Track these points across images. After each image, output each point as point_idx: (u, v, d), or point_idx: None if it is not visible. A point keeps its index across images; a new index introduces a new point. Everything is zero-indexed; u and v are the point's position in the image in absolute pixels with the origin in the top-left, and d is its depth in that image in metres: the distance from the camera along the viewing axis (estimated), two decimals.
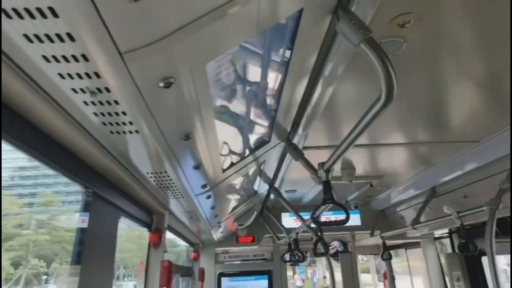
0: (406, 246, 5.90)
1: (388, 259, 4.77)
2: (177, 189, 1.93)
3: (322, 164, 1.82)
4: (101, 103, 0.97)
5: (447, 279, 4.76)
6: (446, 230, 4.69)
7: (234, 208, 3.55)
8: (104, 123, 1.11)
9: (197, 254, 4.65)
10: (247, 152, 2.10)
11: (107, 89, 0.91)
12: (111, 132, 1.17)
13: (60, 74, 0.85)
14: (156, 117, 1.09)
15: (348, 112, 2.07)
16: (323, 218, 4.53)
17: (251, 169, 2.53)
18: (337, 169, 3.08)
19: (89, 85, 0.89)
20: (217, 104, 1.37)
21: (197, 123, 1.27)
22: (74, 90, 0.91)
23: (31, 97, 0.95)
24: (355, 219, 5.02)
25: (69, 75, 0.85)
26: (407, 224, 4.47)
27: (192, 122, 1.24)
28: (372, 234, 5.01)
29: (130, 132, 1.17)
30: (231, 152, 1.97)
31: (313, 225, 3.36)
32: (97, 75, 0.84)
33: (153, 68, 0.87)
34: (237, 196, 3.16)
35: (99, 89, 0.91)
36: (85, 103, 0.98)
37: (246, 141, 2.02)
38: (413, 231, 4.17)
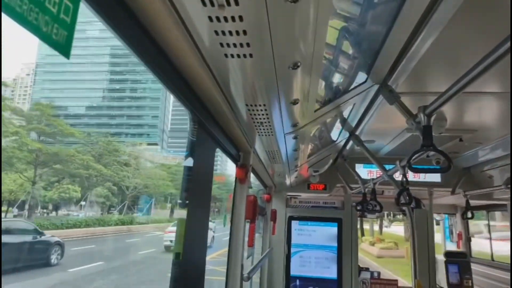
0: (489, 208, 5.55)
1: (470, 218, 4.53)
2: (269, 125, 1.97)
3: (423, 108, 1.71)
4: (225, 19, 0.97)
5: None
6: None
7: (311, 154, 3.58)
8: (221, 44, 1.12)
9: (270, 196, 4.84)
10: (340, 92, 2.05)
11: (236, 2, 0.90)
12: (226, 56, 1.19)
13: None
14: (274, 38, 1.08)
15: (447, 58, 1.89)
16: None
17: (337, 113, 2.48)
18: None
19: None
20: (329, 32, 1.33)
21: (309, 50, 1.24)
22: (203, 2, 0.91)
23: (155, 5, 0.93)
24: (435, 175, 4.78)
25: None
26: (494, 184, 4.16)
27: (306, 47, 1.21)
28: (453, 192, 4.76)
29: (244, 56, 1.18)
30: (327, 90, 1.94)
31: (396, 177, 3.27)
32: None
33: None
34: (318, 141, 3.15)
35: (228, 2, 0.90)
36: (210, 18, 0.99)
37: (341, 79, 1.96)
38: (503, 192, 3.87)
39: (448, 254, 5.36)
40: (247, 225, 2.71)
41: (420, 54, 1.66)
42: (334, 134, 3.30)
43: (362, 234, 28.48)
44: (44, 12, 0.62)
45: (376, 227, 32.23)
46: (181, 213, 1.60)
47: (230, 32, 1.05)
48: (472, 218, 4.68)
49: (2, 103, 30.99)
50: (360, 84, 2.03)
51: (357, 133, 3.16)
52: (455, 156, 4.57)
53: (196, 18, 1.01)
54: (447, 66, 2.00)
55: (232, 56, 1.19)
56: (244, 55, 1.18)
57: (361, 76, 1.97)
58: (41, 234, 14.44)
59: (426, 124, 1.73)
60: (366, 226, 32.27)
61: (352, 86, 2.04)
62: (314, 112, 2.05)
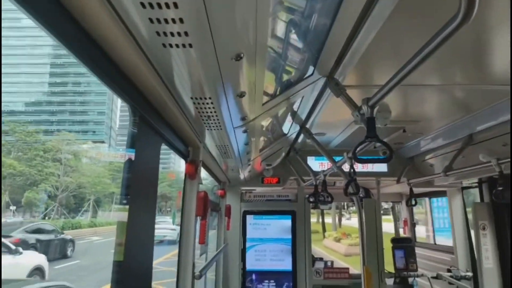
0: (431, 195, 5.92)
1: (413, 205, 4.81)
2: (217, 119, 1.92)
3: (367, 100, 1.75)
4: (159, 5, 0.91)
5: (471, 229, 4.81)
6: (474, 180, 4.64)
7: (263, 148, 3.57)
8: (158, 33, 1.05)
9: (224, 192, 4.80)
10: (287, 85, 2.04)
11: None
12: (164, 45, 1.12)
13: None
14: (213, 27, 1.03)
15: (391, 50, 1.95)
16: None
17: (287, 106, 2.48)
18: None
19: None
20: (271, 25, 1.30)
21: (251, 41, 1.20)
22: None
23: None
24: (382, 166, 5.01)
25: None
26: (435, 172, 4.43)
27: (248, 38, 1.17)
28: (398, 181, 5.01)
29: (184, 45, 1.11)
30: (273, 83, 1.92)
31: (346, 168, 3.36)
32: None
33: None
34: (269, 135, 3.15)
35: None
36: (142, 5, 0.92)
37: (287, 73, 1.95)
38: (443, 179, 4.13)
39: (394, 240, 5.66)
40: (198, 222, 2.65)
41: (364, 47, 1.69)
42: (285, 127, 3.32)
43: (324, 230, 26.89)
44: None
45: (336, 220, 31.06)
46: (123, 215, 1.50)
47: (166, 20, 0.98)
48: (415, 205, 4.97)
49: None
50: (307, 77, 2.03)
51: (307, 126, 3.20)
52: (399, 147, 4.81)
53: (127, 3, 0.93)
54: (391, 59, 2.06)
55: (171, 46, 1.12)
56: (184, 45, 1.11)
57: (308, 69, 1.97)
58: None
59: (370, 116, 1.77)
60: (328, 220, 30.96)
61: (300, 79, 2.04)
62: (262, 105, 2.02)
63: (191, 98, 1.63)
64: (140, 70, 1.27)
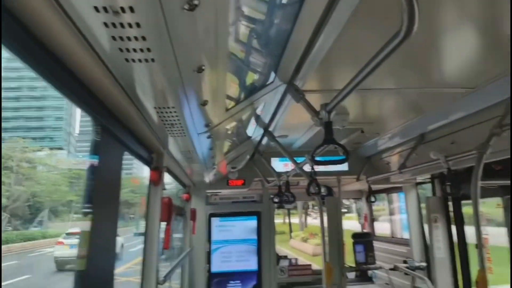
0: (388, 191, 6.23)
1: (373, 201, 5.04)
2: (181, 126, 1.94)
3: (325, 105, 1.84)
4: (122, 25, 0.93)
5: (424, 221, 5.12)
6: (427, 176, 4.94)
7: (228, 151, 3.61)
8: (120, 49, 1.07)
9: (189, 195, 4.78)
10: (250, 91, 2.10)
11: (131, 9, 0.87)
12: (126, 60, 1.14)
13: None
14: (175, 43, 1.06)
15: (348, 57, 2.06)
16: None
17: (251, 111, 2.54)
18: None
19: (112, 3, 0.85)
20: (232, 36, 1.34)
21: (212, 54, 1.24)
22: (96, 8, 0.87)
23: (46, 13, 0.88)
24: (343, 165, 5.19)
25: None
26: (392, 170, 4.68)
27: (208, 51, 1.22)
28: (358, 179, 5.24)
29: (146, 60, 1.14)
30: (235, 90, 1.97)
31: (306, 168, 3.48)
32: None
33: None
34: (233, 139, 3.20)
35: (122, 9, 0.87)
36: (105, 24, 0.94)
37: (249, 80, 2.01)
38: (398, 176, 4.37)
39: (355, 236, 5.90)
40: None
41: (323, 53, 1.78)
42: (249, 131, 3.37)
43: (291, 230, 27.12)
44: None
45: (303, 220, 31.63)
46: (84, 224, 1.48)
47: (129, 38, 1.01)
48: (374, 201, 5.22)
49: None
50: (269, 83, 2.10)
51: (270, 129, 3.27)
52: (358, 146, 5.03)
53: (91, 24, 0.95)
54: (350, 65, 2.17)
55: (134, 60, 1.15)
56: (146, 60, 1.14)
57: (270, 76, 2.04)
58: None
59: (327, 120, 1.87)
60: (295, 220, 31.61)
61: (262, 85, 2.11)
62: (226, 111, 2.07)
63: (154, 107, 1.65)
64: (102, 83, 1.28)
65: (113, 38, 1.01)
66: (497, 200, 4.08)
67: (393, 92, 2.84)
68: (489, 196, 3.99)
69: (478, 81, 2.45)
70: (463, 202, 4.55)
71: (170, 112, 1.69)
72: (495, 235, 4.49)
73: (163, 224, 2.64)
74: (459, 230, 4.58)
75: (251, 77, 2.07)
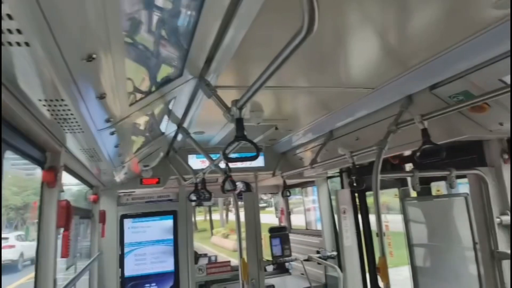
0: (303, 185, 6.53)
1: (288, 196, 5.22)
2: (76, 122, 1.74)
3: (235, 102, 1.81)
4: None
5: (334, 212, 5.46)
6: (337, 170, 5.29)
7: (139, 148, 3.40)
8: None
9: (97, 197, 4.41)
10: (157, 85, 1.97)
11: None
12: None
13: None
14: (53, 26, 0.92)
15: (261, 53, 2.06)
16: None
17: (160, 106, 2.40)
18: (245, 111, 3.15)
19: None
20: (127, 23, 1.22)
21: (103, 41, 1.11)
22: None
23: None
24: (259, 161, 5.29)
25: None
26: (305, 164, 4.90)
27: (97, 38, 1.08)
28: (274, 174, 5.38)
29: (18, 44, 0.97)
30: (140, 83, 1.82)
31: (221, 165, 3.43)
32: None
33: None
34: (143, 135, 3.01)
35: None
36: None
37: (156, 72, 1.88)
38: (311, 171, 4.59)
39: (271, 230, 6.07)
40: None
41: (234, 48, 1.74)
42: (162, 127, 3.21)
43: (212, 227, 26.96)
44: None
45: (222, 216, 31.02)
46: None
47: None
48: (289, 196, 5.42)
49: None
50: (177, 77, 1.99)
51: (184, 125, 3.16)
52: (273, 143, 5.16)
53: None
54: (261, 62, 2.15)
55: (3, 43, 0.96)
56: (18, 43, 0.97)
57: (180, 69, 1.94)
58: None
59: (238, 117, 1.84)
60: (216, 217, 30.83)
61: (171, 79, 2.00)
62: (130, 106, 1.91)
63: (40, 100, 1.44)
64: None
65: None
66: (395, 191, 4.52)
67: (305, 90, 2.95)
68: (388, 187, 4.41)
69: (378, 82, 2.66)
70: (367, 193, 4.96)
71: (61, 105, 1.50)
72: (395, 221, 4.97)
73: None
74: (364, 220, 4.99)
75: (161, 70, 1.94)
